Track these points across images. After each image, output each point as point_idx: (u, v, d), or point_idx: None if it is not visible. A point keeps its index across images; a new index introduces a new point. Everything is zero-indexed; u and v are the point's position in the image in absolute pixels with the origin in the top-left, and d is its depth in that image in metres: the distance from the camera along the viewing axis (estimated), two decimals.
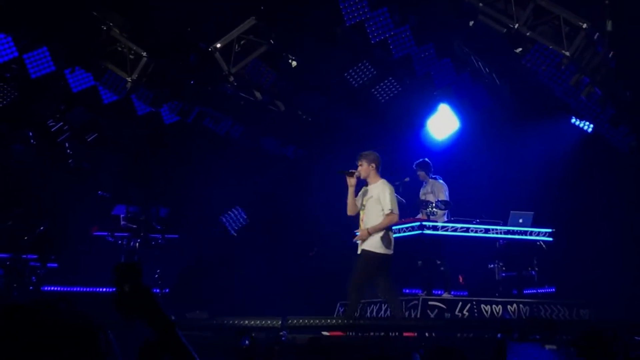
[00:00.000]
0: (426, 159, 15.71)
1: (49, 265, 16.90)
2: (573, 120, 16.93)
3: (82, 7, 15.66)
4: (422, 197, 15.43)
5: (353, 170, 13.04)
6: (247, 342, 10.05)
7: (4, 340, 2.74)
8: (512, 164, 17.70)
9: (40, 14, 15.34)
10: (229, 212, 17.22)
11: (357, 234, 13.18)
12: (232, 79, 16.07)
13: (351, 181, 13.03)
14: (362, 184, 13.13)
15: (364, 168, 13.04)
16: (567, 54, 14.27)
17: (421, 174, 15.59)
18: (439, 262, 15.00)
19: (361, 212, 13.08)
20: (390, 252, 12.91)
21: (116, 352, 2.93)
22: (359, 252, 12.98)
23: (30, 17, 15.39)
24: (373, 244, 12.83)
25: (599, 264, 16.34)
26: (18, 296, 16.36)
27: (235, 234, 17.24)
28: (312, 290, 16.59)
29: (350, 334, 13.08)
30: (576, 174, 17.32)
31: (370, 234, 12.81)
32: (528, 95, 16.91)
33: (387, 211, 12.78)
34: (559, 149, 17.55)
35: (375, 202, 12.89)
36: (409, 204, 15.54)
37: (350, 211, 13.14)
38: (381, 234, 12.82)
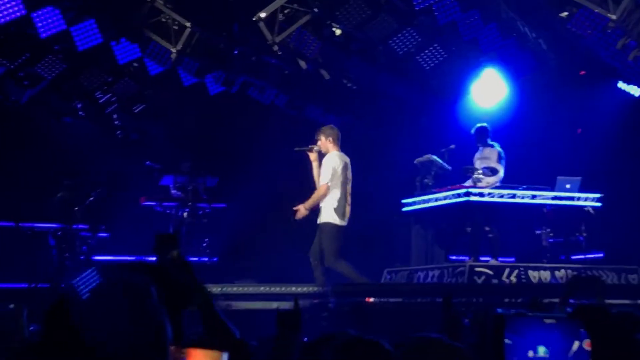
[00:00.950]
0: (484, 125, 15.65)
1: (99, 235, 17.06)
2: (619, 84, 16.75)
3: None
4: (475, 164, 15.40)
5: (312, 146, 13.33)
6: (291, 308, 10.06)
7: None
8: (559, 130, 17.58)
9: None
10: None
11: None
12: (276, 48, 15.93)
13: (312, 156, 13.41)
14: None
15: (322, 142, 13.42)
16: (614, 17, 14.03)
17: (479, 139, 15.55)
18: (487, 229, 14.97)
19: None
20: (344, 223, 13.40)
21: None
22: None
23: None
24: (328, 216, 13.27)
25: None
26: (70, 266, 16.55)
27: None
28: (358, 257, 16.60)
29: (398, 299, 13.15)
30: (623, 138, 17.17)
31: (306, 209, 13.36)
32: (574, 60, 16.75)
33: (321, 183, 13.20)
34: (606, 113, 17.33)
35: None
36: (454, 171, 15.56)
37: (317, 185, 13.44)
38: (335, 205, 13.25)
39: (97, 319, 2.81)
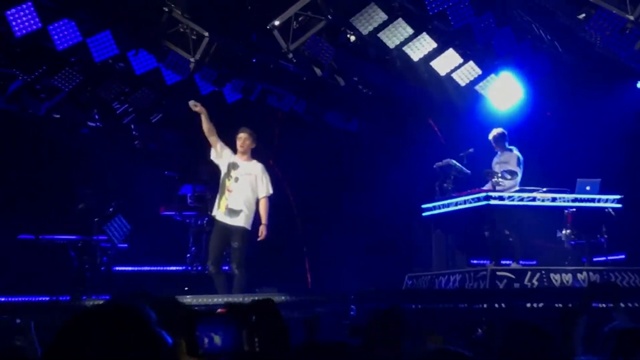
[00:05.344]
0: (501, 130, 15.53)
1: (118, 245, 16.86)
2: (639, 84, 16.64)
3: None
4: (494, 168, 15.26)
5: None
6: (310, 317, 9.93)
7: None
8: (577, 131, 17.44)
9: None
10: (112, 222, 16.79)
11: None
12: (291, 55, 15.85)
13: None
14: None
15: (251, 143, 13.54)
16: (632, 18, 13.88)
17: (497, 144, 15.45)
18: (507, 233, 14.83)
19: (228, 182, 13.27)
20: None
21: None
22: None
23: (92, 1, 15.36)
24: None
25: None
26: (91, 277, 16.39)
27: (120, 245, 16.89)
28: (379, 262, 16.47)
29: (417, 306, 12.98)
30: None
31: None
32: (591, 61, 16.56)
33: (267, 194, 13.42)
34: (625, 114, 17.23)
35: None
36: (474, 175, 15.48)
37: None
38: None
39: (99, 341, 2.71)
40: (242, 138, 13.37)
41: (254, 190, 13.27)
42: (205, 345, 2.74)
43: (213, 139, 13.36)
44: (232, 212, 13.17)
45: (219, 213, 13.22)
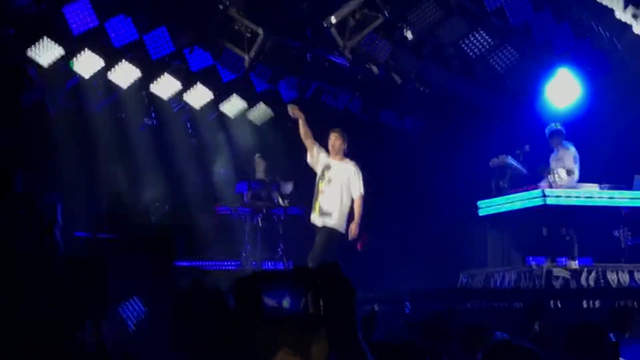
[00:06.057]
0: (558, 126, 15.45)
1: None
2: None
3: None
4: (551, 165, 15.19)
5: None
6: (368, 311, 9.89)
7: None
8: (636, 129, 17.27)
9: None
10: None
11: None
12: (347, 53, 15.91)
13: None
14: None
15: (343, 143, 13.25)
16: None
17: (555, 140, 15.35)
18: (563, 231, 14.73)
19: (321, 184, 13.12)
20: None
21: None
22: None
23: None
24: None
25: None
26: None
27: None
28: (434, 261, 16.43)
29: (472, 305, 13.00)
30: None
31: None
32: None
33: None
34: None
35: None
36: (530, 173, 15.46)
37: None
38: None
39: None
40: (332, 139, 13.16)
41: (346, 191, 13.02)
42: (274, 310, 2.82)
43: (309, 142, 13.16)
44: (325, 214, 12.97)
45: (313, 216, 13.04)
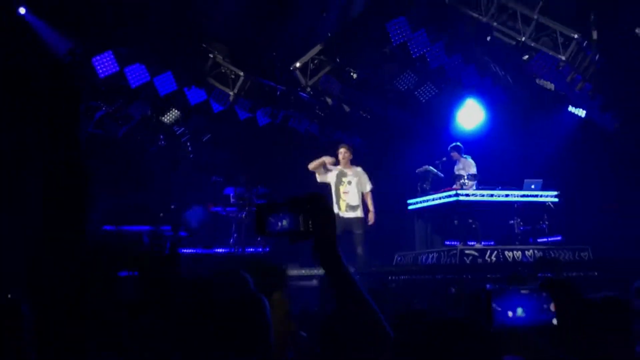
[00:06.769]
0: (458, 143, 15.58)
1: (179, 233, 17.02)
2: (570, 108, 16.75)
3: (194, 40, 15.83)
4: (456, 173, 15.29)
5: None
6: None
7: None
8: (525, 144, 17.51)
9: (166, 46, 15.55)
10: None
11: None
12: (309, 89, 16.10)
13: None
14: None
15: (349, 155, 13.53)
16: (563, 58, 14.14)
17: (455, 154, 15.43)
18: (470, 221, 14.89)
19: (342, 187, 13.37)
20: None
21: None
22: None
23: (158, 49, 15.60)
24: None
25: (597, 216, 16.17)
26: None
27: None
28: (376, 245, 16.53)
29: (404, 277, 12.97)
30: (574, 149, 17.12)
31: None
32: (535, 91, 16.74)
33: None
34: (561, 130, 17.31)
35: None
36: (446, 178, 15.51)
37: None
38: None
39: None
40: (342, 152, 13.53)
41: (361, 188, 13.44)
42: (277, 228, 2.87)
43: (322, 170, 13.50)
44: (352, 208, 13.29)
45: (340, 212, 13.20)
